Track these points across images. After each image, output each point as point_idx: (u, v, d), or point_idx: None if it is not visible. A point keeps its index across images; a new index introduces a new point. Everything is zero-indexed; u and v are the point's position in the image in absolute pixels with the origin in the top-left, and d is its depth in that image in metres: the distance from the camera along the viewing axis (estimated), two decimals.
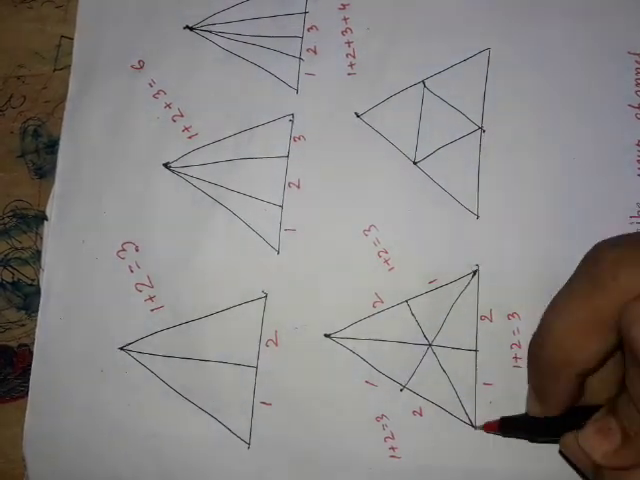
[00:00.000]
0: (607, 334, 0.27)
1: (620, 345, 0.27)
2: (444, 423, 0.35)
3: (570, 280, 0.28)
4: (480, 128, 0.38)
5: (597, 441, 0.28)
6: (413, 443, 0.35)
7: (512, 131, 0.38)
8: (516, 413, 0.34)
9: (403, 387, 0.35)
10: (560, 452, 0.33)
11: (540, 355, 0.30)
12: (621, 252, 0.26)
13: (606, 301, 0.26)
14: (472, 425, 0.35)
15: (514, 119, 0.38)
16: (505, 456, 0.34)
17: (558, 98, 0.38)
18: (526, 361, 0.31)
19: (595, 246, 0.28)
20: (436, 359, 0.36)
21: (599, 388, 0.30)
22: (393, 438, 0.35)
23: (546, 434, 0.32)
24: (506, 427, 0.34)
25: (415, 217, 0.37)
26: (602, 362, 0.28)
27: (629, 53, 0.39)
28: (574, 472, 0.34)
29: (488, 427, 0.34)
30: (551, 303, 0.29)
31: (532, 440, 0.34)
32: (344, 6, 0.40)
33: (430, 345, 0.36)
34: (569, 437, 0.30)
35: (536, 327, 0.30)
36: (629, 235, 0.28)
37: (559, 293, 0.29)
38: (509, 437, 0.34)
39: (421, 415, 0.35)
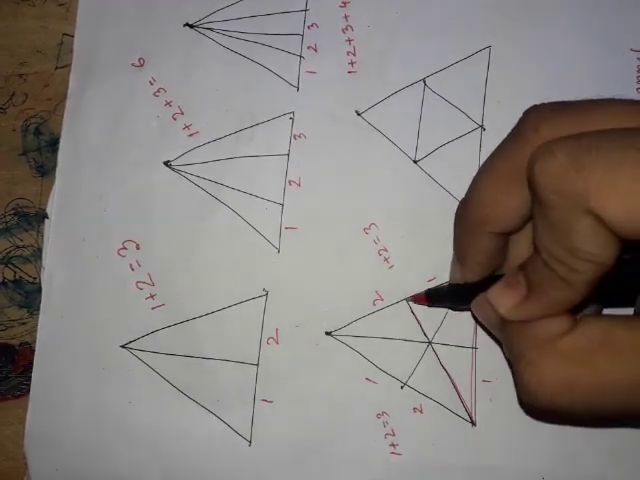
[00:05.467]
0: (524, 187, 0.27)
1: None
2: (444, 420, 0.35)
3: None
4: (481, 127, 0.38)
5: (504, 294, 0.28)
6: (414, 440, 0.35)
7: None
8: (515, 411, 0.34)
9: (404, 384, 0.36)
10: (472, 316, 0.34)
11: (462, 214, 0.31)
12: (545, 109, 0.28)
13: (525, 152, 0.27)
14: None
15: (515, 117, 0.37)
16: (505, 453, 0.35)
17: (559, 96, 0.37)
18: None
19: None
20: (436, 356, 0.36)
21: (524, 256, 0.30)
22: (394, 435, 0.35)
23: (467, 302, 0.33)
24: (432, 298, 0.35)
25: (415, 216, 0.37)
26: (520, 223, 0.29)
27: (631, 50, 0.38)
28: (574, 470, 0.34)
29: (416, 299, 0.36)
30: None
31: (454, 309, 0.36)
32: (345, 4, 0.40)
33: (430, 343, 0.36)
34: (480, 297, 0.30)
35: None
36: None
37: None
38: (434, 307, 0.36)
39: (421, 412, 0.35)
